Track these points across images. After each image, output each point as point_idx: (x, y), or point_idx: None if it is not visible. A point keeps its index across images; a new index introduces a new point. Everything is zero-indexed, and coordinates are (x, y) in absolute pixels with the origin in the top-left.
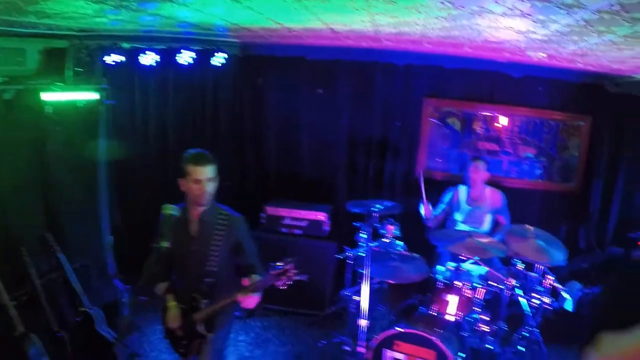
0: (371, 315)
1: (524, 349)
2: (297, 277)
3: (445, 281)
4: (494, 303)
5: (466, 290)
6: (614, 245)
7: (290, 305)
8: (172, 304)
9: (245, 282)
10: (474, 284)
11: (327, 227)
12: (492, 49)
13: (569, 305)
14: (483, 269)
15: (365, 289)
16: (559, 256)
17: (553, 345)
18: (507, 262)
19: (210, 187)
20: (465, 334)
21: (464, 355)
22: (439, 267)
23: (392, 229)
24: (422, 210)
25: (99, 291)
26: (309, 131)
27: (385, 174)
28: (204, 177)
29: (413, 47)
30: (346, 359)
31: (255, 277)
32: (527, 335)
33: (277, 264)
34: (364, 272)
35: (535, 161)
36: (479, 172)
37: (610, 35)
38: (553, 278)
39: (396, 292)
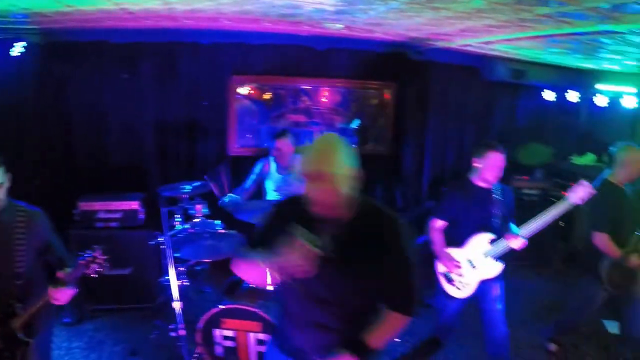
0: (201, 297)
1: None
2: (108, 265)
3: None
4: None
5: None
6: (430, 200)
7: (120, 303)
8: None
9: (60, 275)
10: None
11: (142, 216)
12: (292, 23)
13: None
14: None
15: (172, 271)
16: None
17: None
18: None
19: (1, 193)
20: None
21: None
22: None
23: (200, 209)
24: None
25: None
26: (116, 118)
27: (198, 155)
28: None
29: (214, 25)
30: (179, 345)
31: (67, 270)
32: None
33: (86, 252)
34: (168, 255)
35: (345, 129)
36: (285, 147)
37: (393, 2)
38: None
39: (219, 271)
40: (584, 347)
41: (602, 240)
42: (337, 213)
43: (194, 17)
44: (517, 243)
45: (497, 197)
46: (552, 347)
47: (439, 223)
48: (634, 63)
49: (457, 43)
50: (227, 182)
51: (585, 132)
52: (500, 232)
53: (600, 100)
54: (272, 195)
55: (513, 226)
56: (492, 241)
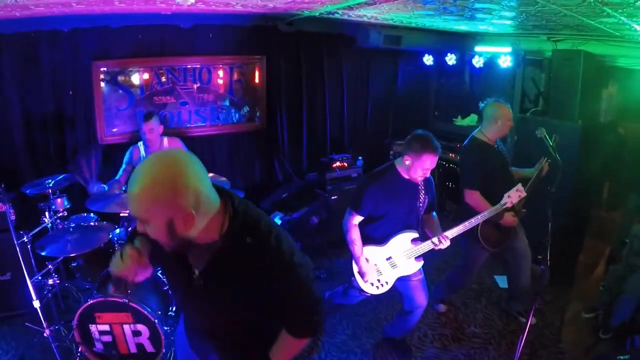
0: (85, 294)
1: None
2: None
3: (121, 242)
4: None
5: None
6: (311, 171)
7: (4, 310)
8: None
9: None
10: None
11: (12, 217)
12: (145, 2)
13: None
14: None
15: (29, 270)
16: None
17: None
18: None
19: None
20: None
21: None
22: (116, 231)
23: (61, 203)
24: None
25: None
26: None
27: (67, 147)
28: None
29: (69, 10)
30: (65, 342)
31: None
32: None
33: None
34: (20, 254)
35: (216, 107)
36: (153, 129)
37: None
38: None
39: (93, 264)
40: (475, 304)
41: (473, 197)
42: (202, 240)
43: (43, 3)
44: (445, 244)
45: (421, 187)
46: (441, 307)
47: (357, 219)
48: (508, 22)
49: (320, 11)
50: (92, 172)
51: (467, 94)
52: (423, 228)
53: (477, 61)
54: None
55: (434, 215)
56: (414, 240)
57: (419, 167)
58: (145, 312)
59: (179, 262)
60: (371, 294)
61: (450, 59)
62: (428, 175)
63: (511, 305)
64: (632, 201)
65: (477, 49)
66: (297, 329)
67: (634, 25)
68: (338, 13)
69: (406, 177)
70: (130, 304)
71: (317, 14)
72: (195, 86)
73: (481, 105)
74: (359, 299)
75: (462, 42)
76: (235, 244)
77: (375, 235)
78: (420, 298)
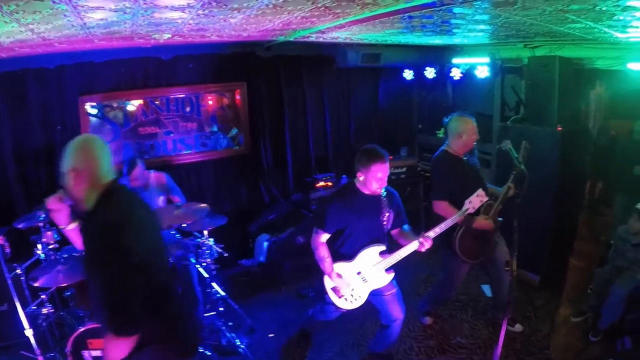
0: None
1: (222, 309)
2: None
3: None
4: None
5: None
6: (296, 192)
7: (2, 340)
8: None
9: None
10: None
11: (8, 250)
12: (124, 38)
13: (262, 258)
14: None
15: (22, 301)
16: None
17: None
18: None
19: None
20: None
21: None
22: None
23: (50, 235)
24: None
25: None
26: None
27: (58, 180)
28: None
29: (52, 49)
30: None
31: None
32: (219, 296)
33: None
34: (10, 284)
35: (200, 134)
36: (137, 177)
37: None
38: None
39: (87, 293)
40: (461, 314)
41: (441, 207)
42: (80, 206)
43: (28, 45)
44: (427, 245)
45: (384, 201)
46: (427, 320)
47: (324, 237)
48: (480, 34)
49: (294, 36)
50: None
51: (449, 106)
52: (387, 240)
53: (455, 73)
54: None
55: (406, 227)
56: (382, 253)
57: (372, 179)
58: None
59: None
60: (346, 309)
61: (430, 73)
62: (384, 184)
63: (496, 314)
64: (619, 201)
65: (455, 60)
66: (104, 319)
67: (604, 28)
68: (312, 37)
69: (367, 192)
70: None
71: (292, 39)
72: (178, 116)
73: (445, 120)
74: (336, 314)
75: (441, 55)
76: (92, 217)
77: (343, 251)
78: (396, 311)
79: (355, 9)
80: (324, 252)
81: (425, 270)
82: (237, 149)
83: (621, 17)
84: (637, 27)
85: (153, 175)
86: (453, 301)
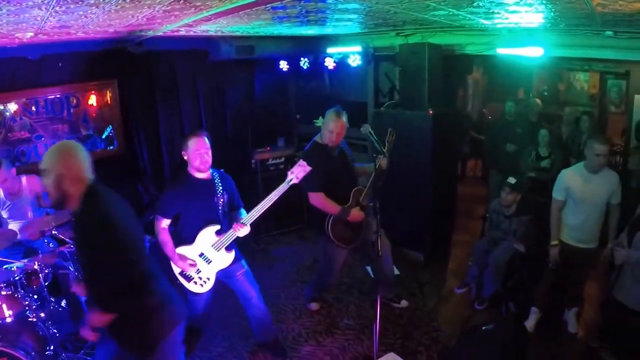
0: None
1: None
2: None
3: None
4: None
5: (4, 289)
6: None
7: None
8: None
9: None
10: (14, 278)
11: None
12: None
13: None
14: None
15: None
16: None
17: None
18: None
19: None
20: (40, 326)
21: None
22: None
23: None
24: None
25: None
26: None
27: None
28: None
29: None
30: None
31: None
32: None
33: None
34: None
35: (73, 137)
36: (6, 179)
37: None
38: None
39: None
40: (347, 297)
41: (317, 199)
42: (69, 206)
43: None
44: (243, 231)
45: (217, 185)
46: (313, 306)
47: (164, 222)
48: (350, 24)
49: (162, 30)
50: None
51: (327, 95)
52: (227, 222)
53: (329, 63)
54: (11, 225)
55: (242, 211)
56: (218, 232)
57: (196, 157)
58: (19, 354)
59: None
60: (199, 293)
61: (304, 63)
62: (206, 158)
63: (385, 292)
64: (494, 177)
65: (329, 50)
66: (93, 300)
67: (468, 15)
68: (181, 30)
69: (199, 176)
70: (3, 349)
71: (160, 33)
72: (48, 118)
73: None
74: (199, 302)
75: (317, 45)
76: (79, 216)
77: (185, 235)
78: (250, 290)
79: (215, 1)
80: (165, 237)
81: (310, 257)
82: (112, 149)
83: (481, 4)
84: (499, 13)
85: (25, 180)
86: (339, 285)
